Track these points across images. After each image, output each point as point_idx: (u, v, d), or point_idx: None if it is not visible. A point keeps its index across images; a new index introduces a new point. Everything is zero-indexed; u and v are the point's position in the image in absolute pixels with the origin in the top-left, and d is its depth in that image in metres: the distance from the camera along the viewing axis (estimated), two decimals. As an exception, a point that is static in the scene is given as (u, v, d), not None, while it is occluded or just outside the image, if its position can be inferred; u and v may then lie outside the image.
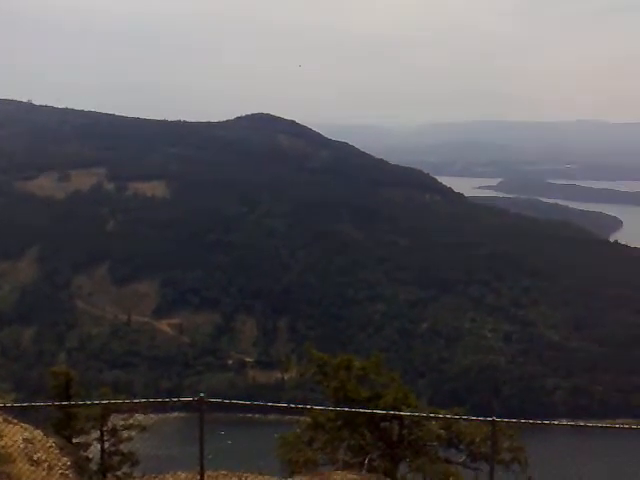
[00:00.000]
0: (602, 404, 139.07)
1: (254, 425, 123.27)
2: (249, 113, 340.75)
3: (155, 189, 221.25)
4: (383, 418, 21.12)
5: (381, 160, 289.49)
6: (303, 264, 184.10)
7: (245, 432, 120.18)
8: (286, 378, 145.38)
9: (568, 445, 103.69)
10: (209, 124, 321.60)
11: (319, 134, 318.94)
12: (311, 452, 21.67)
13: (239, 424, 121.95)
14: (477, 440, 20.81)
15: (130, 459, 27.32)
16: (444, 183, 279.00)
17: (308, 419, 22.37)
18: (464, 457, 21.45)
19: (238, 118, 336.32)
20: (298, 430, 22.71)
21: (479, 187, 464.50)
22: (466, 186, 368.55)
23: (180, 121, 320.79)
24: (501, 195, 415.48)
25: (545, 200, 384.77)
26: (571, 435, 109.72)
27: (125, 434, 27.57)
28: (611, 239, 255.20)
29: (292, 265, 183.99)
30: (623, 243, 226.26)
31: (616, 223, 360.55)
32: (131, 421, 27.78)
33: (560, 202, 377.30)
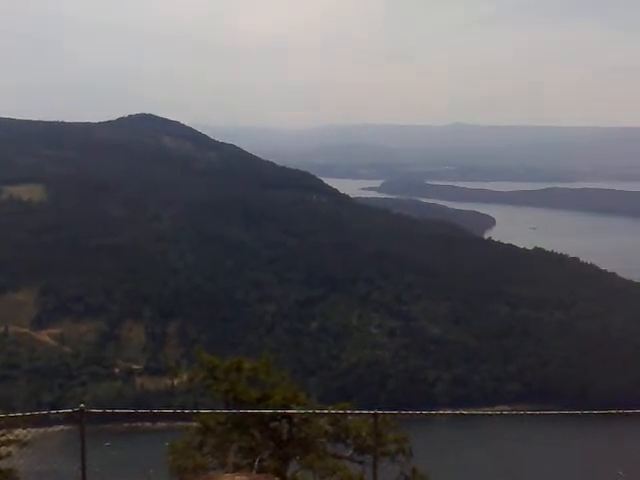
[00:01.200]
0: (481, 393, 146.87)
1: (143, 434, 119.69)
2: (132, 114, 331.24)
3: (32, 193, 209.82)
4: (272, 418, 21.22)
5: (269, 162, 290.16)
6: (192, 267, 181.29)
7: (133, 442, 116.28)
8: (176, 384, 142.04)
9: (450, 434, 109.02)
10: (89, 125, 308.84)
11: (205, 136, 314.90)
12: (201, 457, 21.55)
13: (127, 434, 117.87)
14: (363, 434, 21.23)
15: (8, 476, 26.06)
16: (330, 185, 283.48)
17: (197, 424, 22.29)
18: (351, 451, 21.99)
19: (120, 119, 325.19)
20: (188, 436, 22.57)
21: (363, 188, 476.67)
22: (351, 187, 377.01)
23: (57, 122, 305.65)
24: (383, 196, 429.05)
25: (424, 200, 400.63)
26: (453, 424, 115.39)
27: (3, 450, 26.29)
28: (485, 236, 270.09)
29: (180, 268, 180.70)
30: (496, 240, 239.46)
31: (489, 221, 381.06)
32: (9, 436, 26.50)
33: (438, 202, 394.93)
